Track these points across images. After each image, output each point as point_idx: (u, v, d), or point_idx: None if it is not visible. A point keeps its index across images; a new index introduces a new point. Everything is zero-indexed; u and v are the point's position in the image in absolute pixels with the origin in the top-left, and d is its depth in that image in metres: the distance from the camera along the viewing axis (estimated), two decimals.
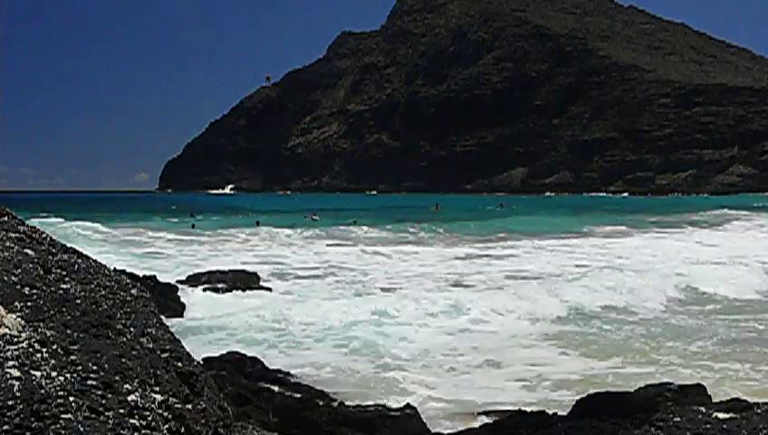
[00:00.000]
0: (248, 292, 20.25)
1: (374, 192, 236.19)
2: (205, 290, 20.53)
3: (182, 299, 17.61)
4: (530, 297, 17.95)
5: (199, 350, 12.09)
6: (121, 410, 2.32)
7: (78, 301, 2.67)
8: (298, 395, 9.95)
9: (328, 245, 36.81)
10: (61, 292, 2.67)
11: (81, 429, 2.17)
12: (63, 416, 2.17)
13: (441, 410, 9.73)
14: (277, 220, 54.45)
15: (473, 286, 21.72)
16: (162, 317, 3.09)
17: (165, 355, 2.74)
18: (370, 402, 9.26)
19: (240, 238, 40.64)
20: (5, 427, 2.04)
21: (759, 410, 5.75)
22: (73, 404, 2.22)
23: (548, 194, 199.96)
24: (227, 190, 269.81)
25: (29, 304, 2.50)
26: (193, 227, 48.65)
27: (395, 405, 8.80)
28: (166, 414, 2.47)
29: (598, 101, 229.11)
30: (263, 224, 49.07)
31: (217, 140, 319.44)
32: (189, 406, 2.63)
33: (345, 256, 30.50)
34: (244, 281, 21.64)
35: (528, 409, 8.96)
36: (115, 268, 3.53)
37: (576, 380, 11.15)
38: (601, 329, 15.32)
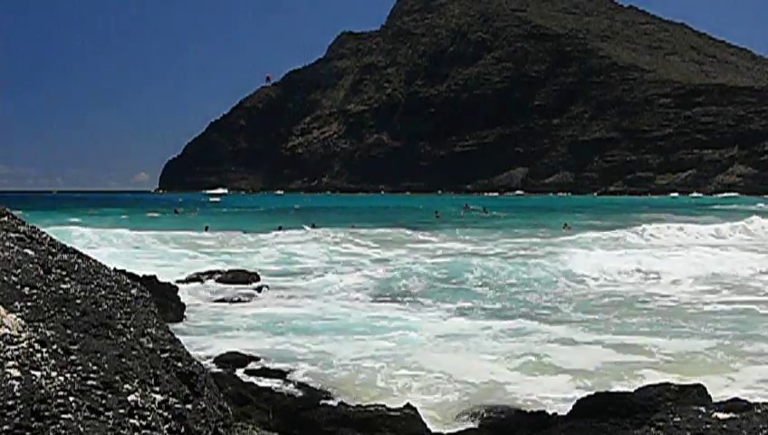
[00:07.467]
0: (248, 291, 20.25)
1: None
2: (205, 290, 20.55)
3: (182, 299, 17.59)
4: None
5: (199, 350, 12.11)
6: (121, 410, 2.31)
7: (78, 301, 2.66)
8: (298, 395, 9.95)
9: (327, 244, 36.76)
10: (61, 292, 2.66)
11: (81, 429, 2.17)
12: (63, 416, 2.17)
13: (441, 411, 9.71)
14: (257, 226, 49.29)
15: None
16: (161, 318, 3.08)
17: (165, 355, 2.74)
18: (370, 402, 9.25)
19: (238, 239, 40.56)
20: (5, 427, 2.04)
21: (759, 410, 5.75)
22: (73, 404, 2.21)
23: (549, 194, 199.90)
24: (219, 191, 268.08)
25: (29, 304, 2.49)
26: (206, 229, 47.90)
27: (395, 405, 8.78)
28: (166, 414, 2.47)
29: (598, 101, 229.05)
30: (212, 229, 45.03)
31: (217, 140, 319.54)
32: (189, 406, 2.62)
33: (342, 255, 30.53)
34: (245, 280, 21.65)
35: (528, 409, 8.95)
36: (115, 268, 3.52)
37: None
38: None
